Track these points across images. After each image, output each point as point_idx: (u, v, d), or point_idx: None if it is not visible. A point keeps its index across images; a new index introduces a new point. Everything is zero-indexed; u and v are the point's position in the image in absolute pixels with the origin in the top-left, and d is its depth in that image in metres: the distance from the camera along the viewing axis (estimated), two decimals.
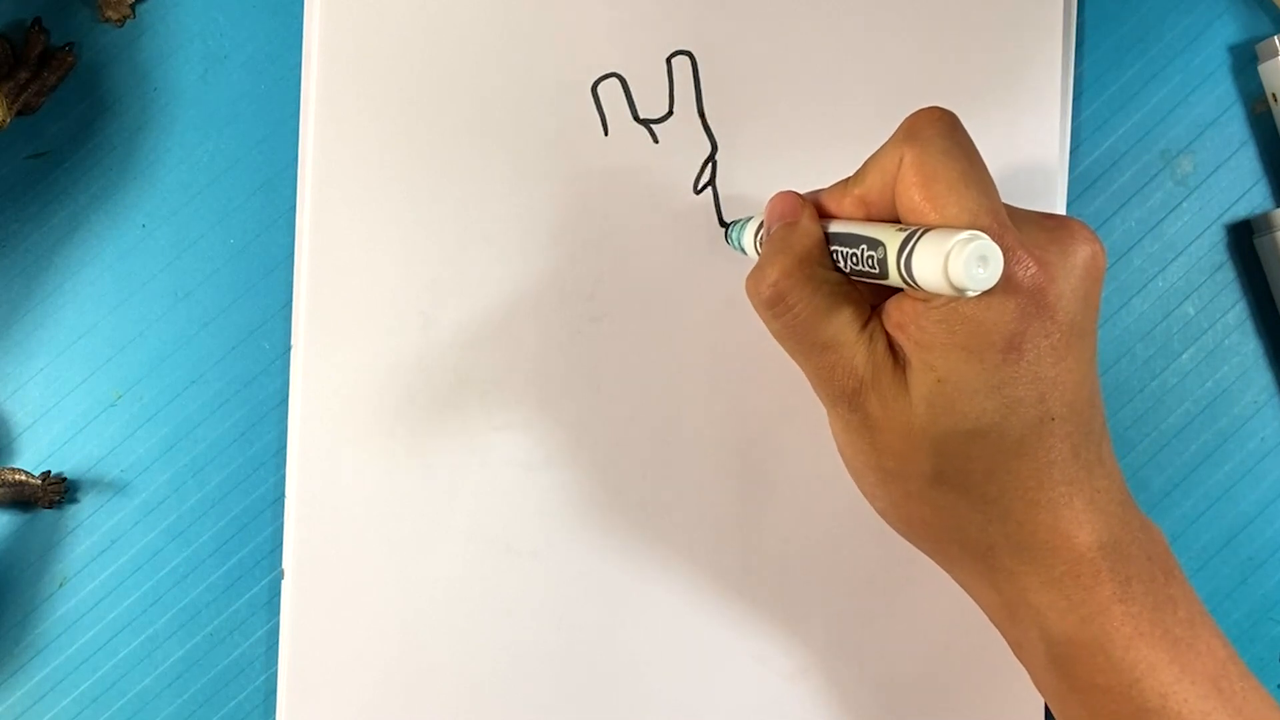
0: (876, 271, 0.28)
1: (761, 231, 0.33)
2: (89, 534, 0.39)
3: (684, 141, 0.39)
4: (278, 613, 0.38)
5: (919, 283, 0.26)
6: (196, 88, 0.39)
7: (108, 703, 0.39)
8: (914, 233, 0.27)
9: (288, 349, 0.39)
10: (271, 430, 0.39)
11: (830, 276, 0.30)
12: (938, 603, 0.38)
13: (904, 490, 0.30)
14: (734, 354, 0.38)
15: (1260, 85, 0.39)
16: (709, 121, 0.39)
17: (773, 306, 0.30)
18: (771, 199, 0.32)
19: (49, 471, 0.39)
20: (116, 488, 0.39)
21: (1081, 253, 0.29)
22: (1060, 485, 0.28)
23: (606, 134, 0.39)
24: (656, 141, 0.39)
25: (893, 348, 0.29)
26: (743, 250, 0.36)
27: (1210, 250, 0.40)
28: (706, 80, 0.39)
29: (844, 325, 0.30)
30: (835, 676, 0.39)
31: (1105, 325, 0.40)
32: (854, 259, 0.29)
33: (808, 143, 0.38)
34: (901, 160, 0.28)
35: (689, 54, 0.39)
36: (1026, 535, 0.29)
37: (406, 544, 0.38)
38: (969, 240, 0.25)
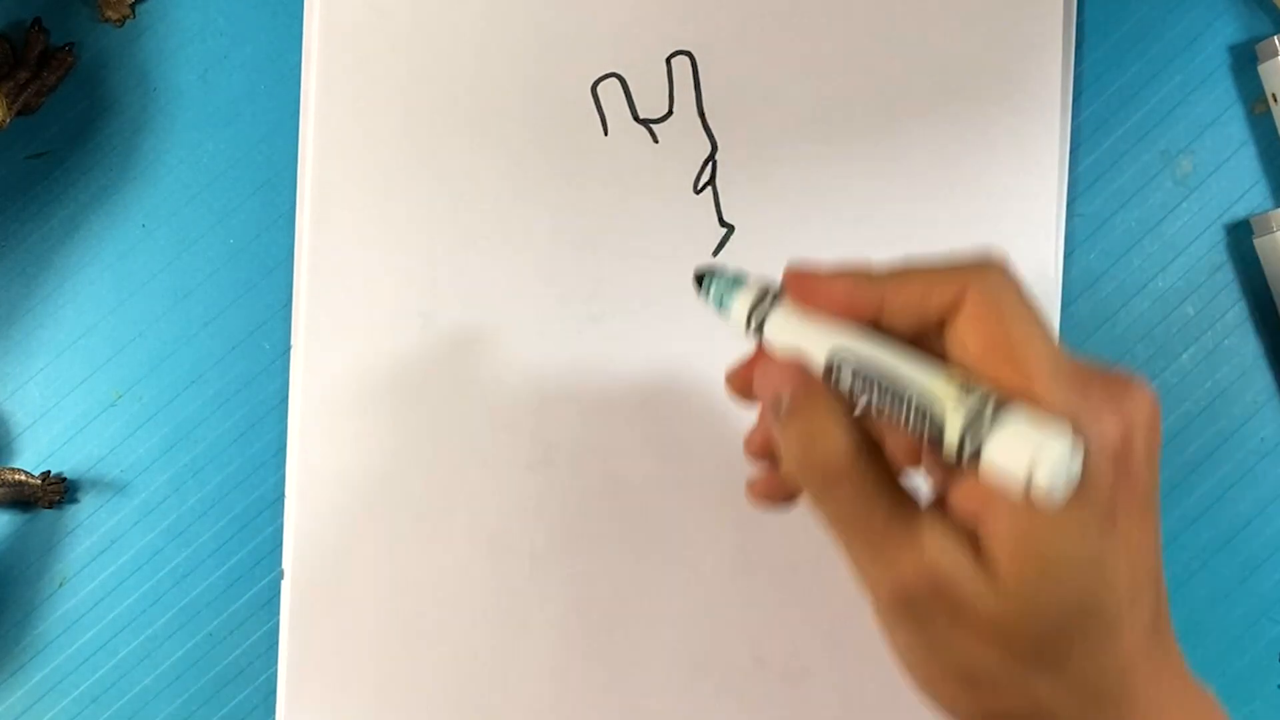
0: (920, 431, 0.24)
1: (759, 312, 0.28)
2: (89, 534, 0.39)
3: (684, 141, 0.39)
4: (278, 613, 0.38)
5: (984, 472, 0.23)
6: (196, 88, 0.39)
7: (108, 703, 0.39)
8: (984, 404, 0.23)
9: (288, 349, 0.39)
10: (271, 430, 0.39)
11: (867, 475, 0.26)
12: None
13: (994, 690, 0.27)
14: (734, 353, 0.38)
15: (1260, 85, 0.39)
16: (709, 121, 0.39)
17: (817, 504, 0.27)
18: (764, 369, 0.28)
19: (49, 471, 0.39)
20: (116, 488, 0.39)
21: (1145, 411, 0.26)
22: (1147, 663, 0.27)
23: (606, 134, 0.39)
24: (656, 141, 0.39)
25: (961, 533, 0.26)
26: (725, 318, 0.29)
27: (1210, 250, 0.40)
28: (706, 80, 0.39)
29: (899, 527, 0.26)
30: (835, 676, 0.39)
31: (1105, 325, 0.40)
32: (887, 407, 0.25)
33: (808, 142, 0.38)
34: (967, 287, 0.25)
35: (689, 54, 0.39)
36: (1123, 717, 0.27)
37: (406, 544, 0.38)
38: (1064, 444, 0.22)
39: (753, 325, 0.28)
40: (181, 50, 0.39)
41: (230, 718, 0.39)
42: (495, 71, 0.38)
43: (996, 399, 0.23)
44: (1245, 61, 0.40)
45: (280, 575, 0.38)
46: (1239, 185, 0.40)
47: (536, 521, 0.38)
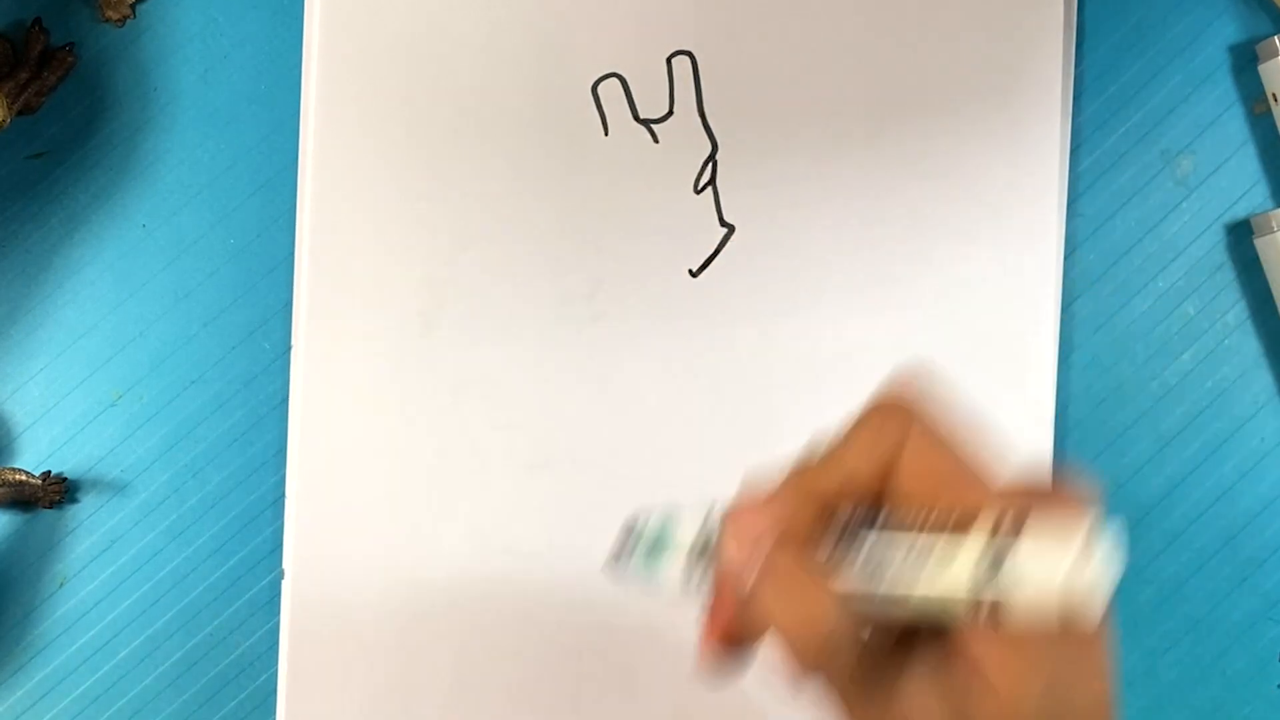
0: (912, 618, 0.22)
1: (708, 561, 0.25)
2: (89, 534, 0.39)
3: (684, 141, 0.39)
4: (278, 613, 0.38)
5: (1018, 607, 0.20)
6: (196, 88, 0.39)
7: (108, 703, 0.39)
8: (995, 542, 0.20)
9: (288, 349, 0.39)
10: (271, 430, 0.39)
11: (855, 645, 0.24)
12: None
13: None
14: (734, 353, 0.38)
15: (1260, 85, 0.39)
16: (709, 121, 0.39)
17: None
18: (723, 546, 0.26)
19: (49, 471, 0.39)
20: (116, 488, 0.39)
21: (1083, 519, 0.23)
22: None
23: (606, 134, 0.39)
24: (656, 141, 0.39)
25: (947, 692, 0.24)
26: (655, 583, 0.26)
27: (1210, 250, 0.40)
28: (706, 80, 0.39)
29: (886, 686, 0.25)
30: None
31: (1105, 325, 0.40)
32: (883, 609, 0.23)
33: (808, 142, 0.38)
34: (903, 443, 0.24)
35: (689, 54, 0.39)
36: None
37: (406, 544, 0.38)
38: (1094, 530, 0.19)
39: (694, 580, 0.25)
40: (181, 50, 0.39)
41: (230, 718, 0.39)
42: (495, 71, 0.38)
43: (998, 548, 0.21)
44: (1245, 61, 0.40)
45: (280, 575, 0.38)
46: (1239, 185, 0.40)
47: (537, 521, 0.38)
